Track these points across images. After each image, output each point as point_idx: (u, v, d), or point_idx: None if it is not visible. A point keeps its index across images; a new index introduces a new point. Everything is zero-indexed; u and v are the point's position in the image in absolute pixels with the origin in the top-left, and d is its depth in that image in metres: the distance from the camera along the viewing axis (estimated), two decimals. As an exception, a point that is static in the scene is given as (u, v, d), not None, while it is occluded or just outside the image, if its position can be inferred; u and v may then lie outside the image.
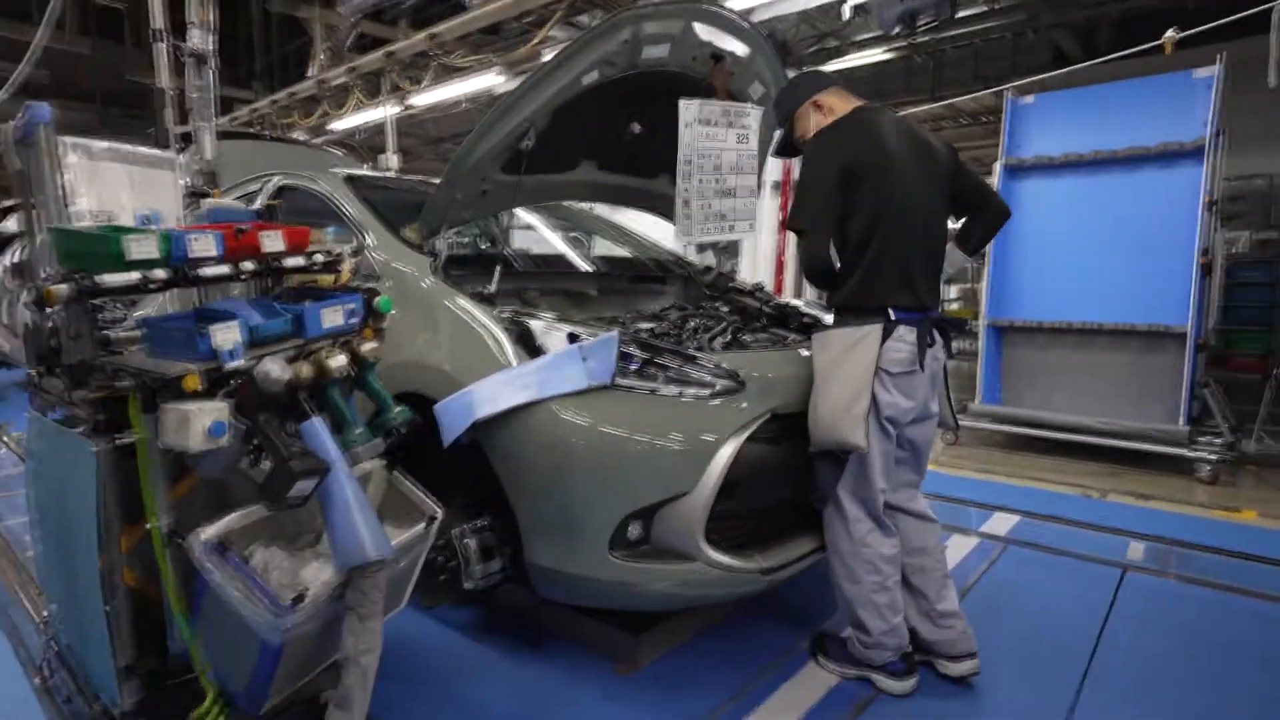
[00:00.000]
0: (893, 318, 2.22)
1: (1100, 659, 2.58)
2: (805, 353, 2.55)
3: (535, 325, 2.30)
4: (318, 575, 1.73)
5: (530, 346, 2.28)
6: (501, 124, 2.44)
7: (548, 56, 7.69)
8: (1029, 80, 5.87)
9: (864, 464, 2.25)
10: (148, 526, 1.75)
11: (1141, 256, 5.57)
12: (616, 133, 2.93)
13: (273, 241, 1.91)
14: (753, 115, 2.86)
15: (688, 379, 2.23)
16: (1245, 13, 4.91)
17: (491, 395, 2.16)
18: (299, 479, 1.62)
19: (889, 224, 2.24)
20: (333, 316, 1.90)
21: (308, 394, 1.80)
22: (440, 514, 1.99)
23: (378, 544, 1.70)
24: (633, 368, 2.23)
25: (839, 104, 2.38)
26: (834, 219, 2.23)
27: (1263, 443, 5.58)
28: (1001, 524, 3.98)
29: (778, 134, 2.60)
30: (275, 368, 1.67)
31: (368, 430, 1.91)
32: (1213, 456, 5.14)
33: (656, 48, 2.55)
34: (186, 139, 3.18)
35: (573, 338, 2.24)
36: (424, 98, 8.64)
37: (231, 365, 1.67)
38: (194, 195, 2.29)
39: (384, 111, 8.51)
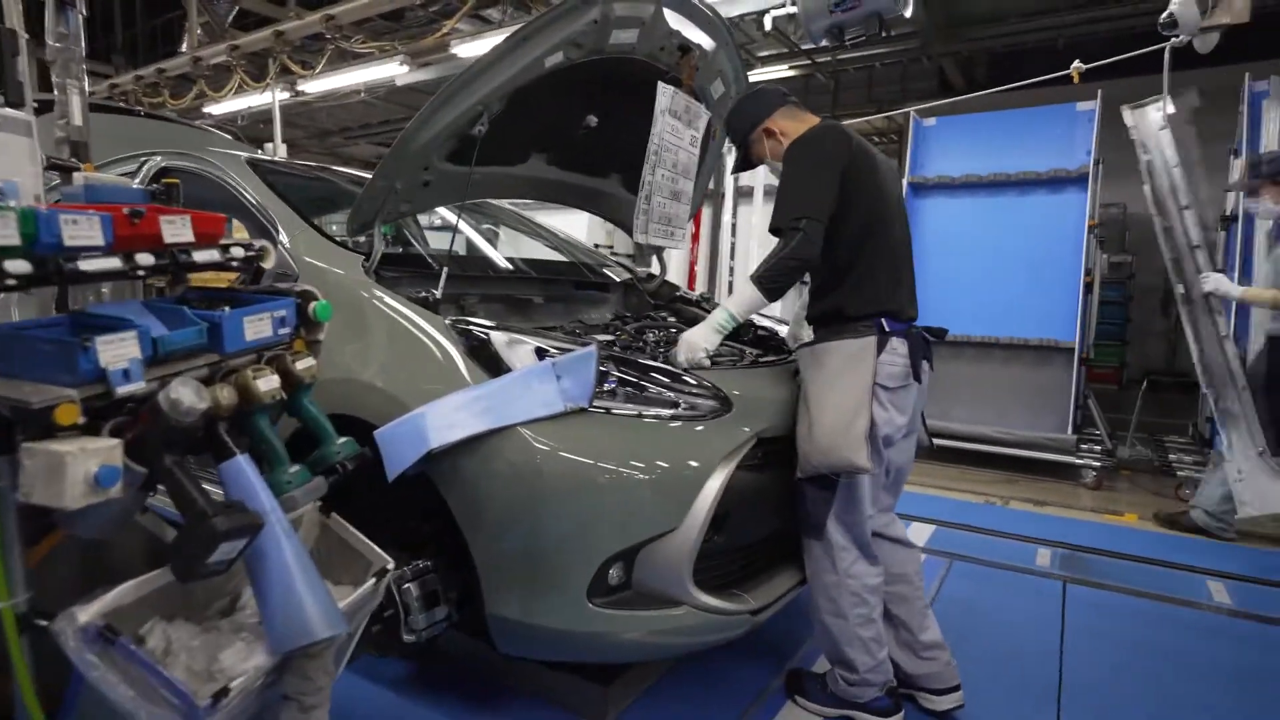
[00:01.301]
0: (886, 329, 2.04)
1: (1069, 679, 2.48)
2: (769, 368, 2.33)
3: (497, 337, 1.94)
4: (244, 659, 1.32)
5: (488, 361, 1.92)
6: (452, 105, 2.05)
7: (457, 49, 7.22)
8: (939, 103, 5.99)
9: (853, 488, 2.03)
10: (-4, 605, 1.27)
11: (1033, 274, 5.76)
12: (570, 125, 2.59)
13: (177, 229, 1.46)
14: (703, 119, 2.60)
15: (670, 400, 1.94)
16: (1124, 55, 5.13)
17: (448, 420, 1.78)
18: (224, 540, 1.21)
19: (880, 228, 2.12)
20: (258, 326, 1.48)
21: (228, 426, 1.38)
22: (391, 566, 1.59)
23: (328, 617, 1.30)
24: (607, 387, 1.91)
25: (794, 125, 2.22)
26: (830, 210, 2.02)
27: (1134, 449, 5.88)
28: (919, 534, 3.92)
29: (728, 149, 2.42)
30: (188, 393, 1.25)
31: (305, 469, 1.49)
32: (1096, 463, 5.35)
33: (625, 32, 2.24)
34: (43, 107, 2.58)
35: (540, 353, 1.90)
36: (317, 84, 7.88)
37: (126, 389, 1.23)
38: (58, 169, 1.77)
39: (270, 96, 7.70)
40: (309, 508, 1.60)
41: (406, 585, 1.93)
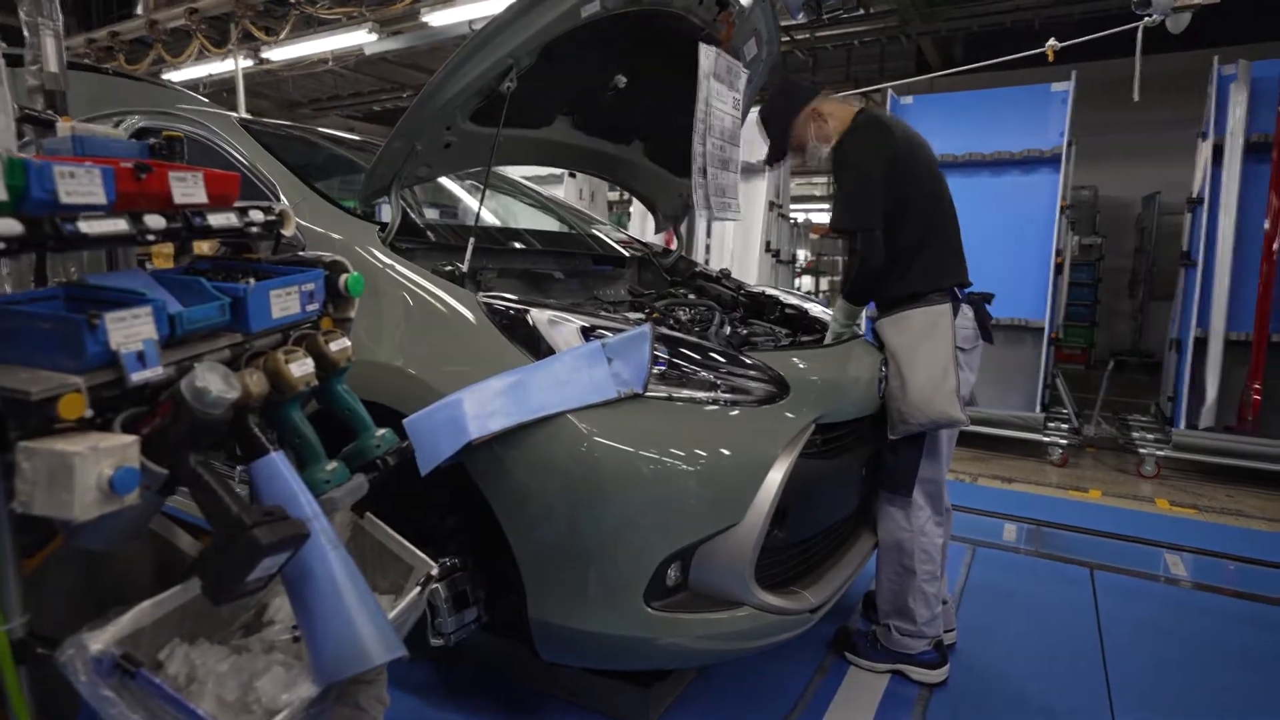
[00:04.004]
0: (958, 296, 2.14)
1: (1114, 668, 2.35)
2: (813, 349, 2.18)
3: (538, 315, 1.73)
4: (285, 688, 1.10)
5: (528, 342, 1.71)
6: (479, 57, 1.81)
7: (427, 17, 6.81)
8: (914, 80, 5.86)
9: (936, 449, 2.14)
10: (-13, 632, 1.04)
11: (1005, 254, 5.67)
12: (598, 86, 2.35)
13: (189, 188, 1.22)
14: (743, 79, 2.40)
15: (727, 384, 1.76)
16: (1099, 34, 5.07)
17: (489, 407, 1.57)
18: (267, 554, 1.00)
19: (939, 205, 2.16)
20: (285, 301, 1.25)
21: (260, 417, 1.15)
22: (435, 571, 1.39)
23: (385, 639, 1.10)
24: (658, 370, 1.72)
25: (839, 109, 2.23)
26: (883, 213, 2.08)
27: (1100, 427, 5.91)
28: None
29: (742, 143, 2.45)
30: (216, 380, 1.02)
31: (343, 466, 1.28)
32: (1063, 441, 5.35)
33: (665, -20, 2.02)
34: (9, 62, 2.24)
35: (586, 332, 1.70)
36: (281, 52, 7.38)
37: (141, 376, 1.00)
38: (32, 121, 1.49)
39: (233, 63, 7.18)
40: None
41: (434, 586, 1.73)
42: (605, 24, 1.97)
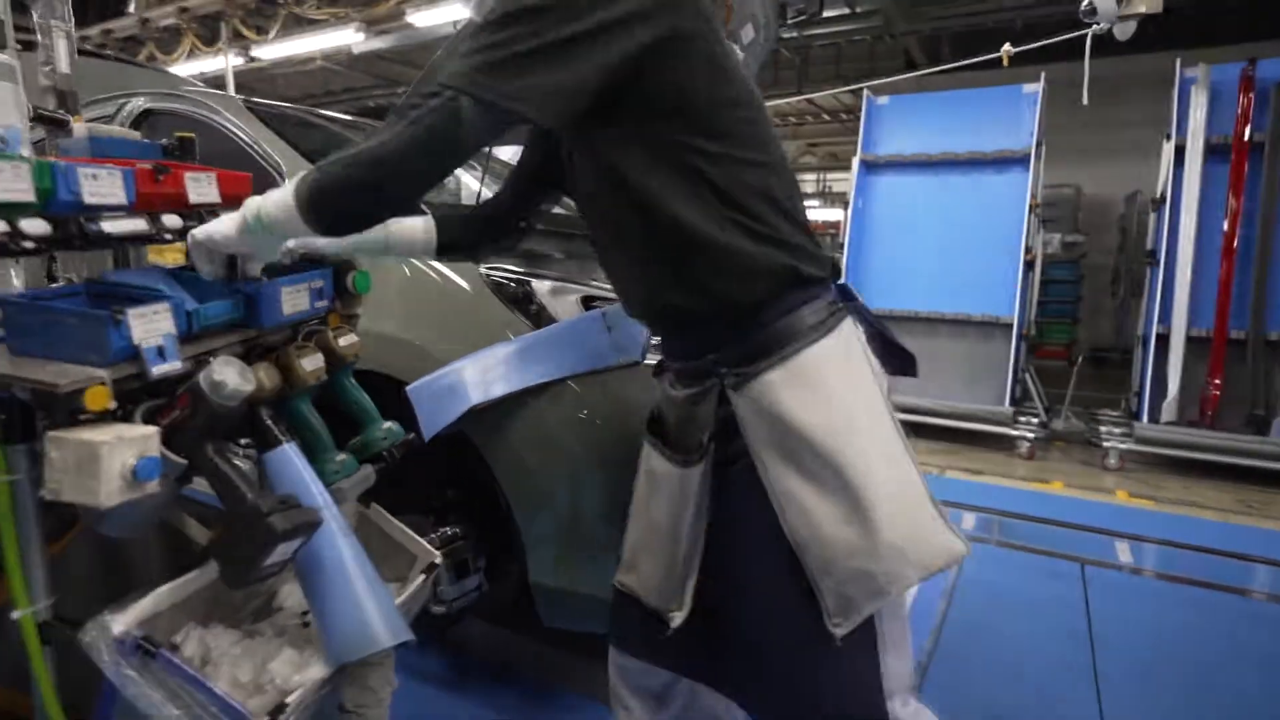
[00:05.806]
0: (851, 292, 1.24)
1: (1103, 667, 2.34)
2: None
3: (540, 285, 1.77)
4: (297, 669, 1.13)
5: (531, 312, 1.75)
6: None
7: (412, 17, 6.78)
8: (884, 81, 5.89)
9: (896, 611, 1.12)
10: (14, 614, 1.06)
11: (978, 252, 5.72)
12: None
13: (203, 188, 1.24)
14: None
15: None
16: (1063, 37, 5.14)
17: (491, 374, 1.61)
18: (282, 540, 1.03)
19: (775, 139, 1.18)
20: (295, 298, 1.27)
21: (271, 410, 1.18)
22: (439, 560, 1.42)
23: (392, 624, 1.13)
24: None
25: None
26: None
27: (1069, 421, 5.99)
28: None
29: None
30: (233, 374, 1.05)
31: (352, 457, 1.31)
32: (1031, 435, 5.38)
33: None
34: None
35: (587, 302, 1.74)
36: (270, 50, 7.33)
37: (161, 370, 1.03)
38: (45, 121, 1.50)
39: (224, 61, 7.12)
40: (348, 496, 1.41)
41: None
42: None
